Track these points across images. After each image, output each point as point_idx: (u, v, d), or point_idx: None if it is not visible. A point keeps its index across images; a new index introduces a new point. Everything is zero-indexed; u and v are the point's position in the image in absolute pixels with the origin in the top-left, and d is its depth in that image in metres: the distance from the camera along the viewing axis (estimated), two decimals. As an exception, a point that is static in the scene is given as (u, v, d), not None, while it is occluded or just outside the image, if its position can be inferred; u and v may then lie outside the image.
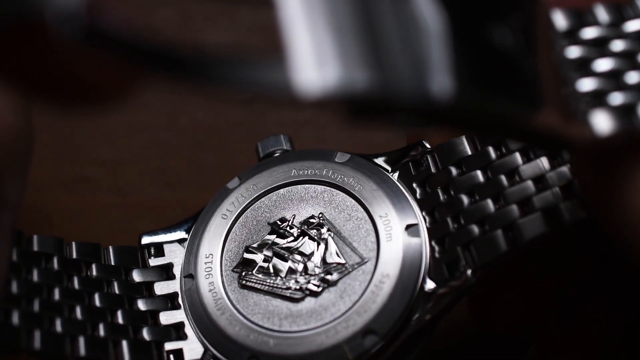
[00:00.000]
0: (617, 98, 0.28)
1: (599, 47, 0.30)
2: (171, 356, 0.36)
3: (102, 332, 0.35)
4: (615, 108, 0.28)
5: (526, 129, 0.27)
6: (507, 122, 0.27)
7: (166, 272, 0.38)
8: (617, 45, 0.30)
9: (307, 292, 0.36)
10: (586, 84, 0.29)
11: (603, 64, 0.29)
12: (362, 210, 0.37)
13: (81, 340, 0.35)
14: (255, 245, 0.37)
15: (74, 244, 0.37)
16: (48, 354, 0.34)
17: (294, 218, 0.38)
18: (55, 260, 0.36)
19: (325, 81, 0.23)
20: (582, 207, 0.33)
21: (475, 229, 0.35)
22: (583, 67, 0.29)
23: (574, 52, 0.30)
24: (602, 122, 0.28)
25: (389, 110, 0.24)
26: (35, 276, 0.35)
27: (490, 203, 0.35)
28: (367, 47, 0.24)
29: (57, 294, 0.35)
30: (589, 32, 0.30)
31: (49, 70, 0.25)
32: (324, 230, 0.37)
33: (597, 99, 0.29)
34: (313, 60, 0.23)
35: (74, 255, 0.37)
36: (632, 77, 0.29)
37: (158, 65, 0.24)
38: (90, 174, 0.39)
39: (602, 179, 0.30)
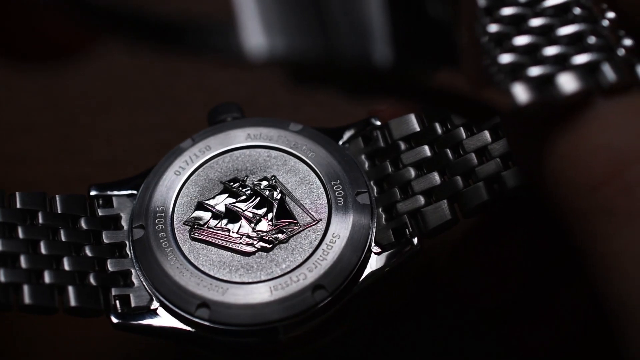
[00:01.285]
0: (533, 71, 0.31)
1: (517, 24, 0.32)
2: (117, 301, 0.36)
3: (47, 279, 0.35)
4: (532, 79, 0.31)
5: (454, 97, 0.30)
6: (438, 90, 0.29)
7: (114, 222, 0.38)
8: (534, 22, 0.32)
9: (259, 247, 0.37)
10: (505, 58, 0.32)
11: (520, 40, 0.32)
12: (314, 175, 0.38)
13: (25, 289, 0.34)
14: (208, 201, 0.38)
15: (17, 194, 0.37)
16: None
17: (246, 178, 0.39)
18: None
19: (271, 46, 0.25)
20: (521, 174, 0.36)
21: (422, 199, 0.37)
22: (502, 42, 0.32)
23: (493, 28, 0.32)
24: (520, 93, 0.31)
25: (332, 75, 0.26)
26: None
27: (436, 175, 0.37)
28: (313, 15, 0.26)
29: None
30: (507, 10, 0.33)
31: (9, 25, 0.26)
32: (276, 192, 0.38)
33: (516, 71, 0.31)
34: (261, 27, 0.25)
35: (18, 205, 0.37)
36: (547, 51, 0.31)
37: (118, 26, 0.25)
38: (91, 174, 0.39)
39: (526, 145, 0.33)
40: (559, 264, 0.40)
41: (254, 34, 0.25)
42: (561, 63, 0.31)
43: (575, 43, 0.31)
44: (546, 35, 0.32)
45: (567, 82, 0.31)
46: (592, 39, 0.31)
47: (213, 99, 0.40)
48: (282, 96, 0.49)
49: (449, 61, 0.30)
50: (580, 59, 0.31)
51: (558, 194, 0.31)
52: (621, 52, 0.31)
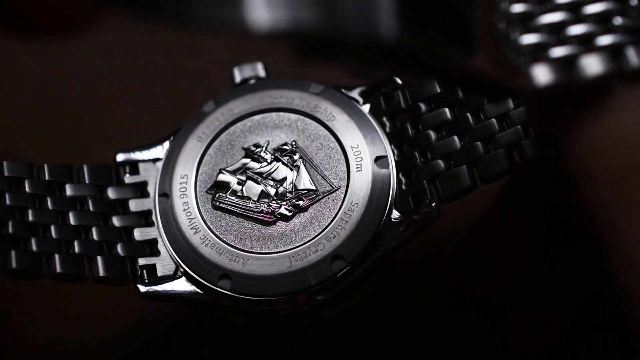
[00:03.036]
0: (556, 51, 0.30)
1: (543, 2, 0.31)
2: (144, 271, 0.37)
3: (77, 249, 0.36)
4: (554, 60, 0.30)
5: (467, 74, 0.29)
6: (448, 66, 0.29)
7: (140, 189, 0.39)
8: None
9: (279, 216, 0.38)
10: (527, 39, 0.31)
11: (547, 18, 0.31)
12: (334, 140, 0.39)
13: (57, 258, 0.36)
14: (229, 168, 0.39)
15: (45, 166, 0.38)
16: (25, 272, 0.35)
17: (267, 144, 0.39)
18: (26, 184, 0.37)
19: (275, 18, 0.25)
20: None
21: (441, 164, 0.37)
22: (525, 22, 0.31)
23: (517, 8, 0.31)
24: (541, 74, 0.30)
25: (337, 48, 0.26)
26: (7, 200, 0.36)
27: (456, 139, 0.37)
28: None
29: (31, 216, 0.36)
30: None
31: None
32: (296, 157, 0.39)
33: (537, 53, 0.30)
34: (264, 0, 0.25)
35: (47, 177, 0.38)
36: (573, 30, 0.30)
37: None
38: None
39: (548, 127, 0.32)
40: (561, 256, 0.40)
41: (258, 6, 0.25)
42: (585, 44, 0.30)
43: (601, 23, 0.30)
44: (573, 12, 0.31)
45: (591, 65, 0.30)
46: (618, 20, 0.30)
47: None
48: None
49: (462, 39, 0.29)
50: (605, 40, 0.30)
51: (579, 183, 0.30)
52: None
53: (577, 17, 0.30)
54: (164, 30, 0.26)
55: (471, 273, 0.42)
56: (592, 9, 0.30)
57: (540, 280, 0.41)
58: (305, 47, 0.26)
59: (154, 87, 0.50)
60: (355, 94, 0.40)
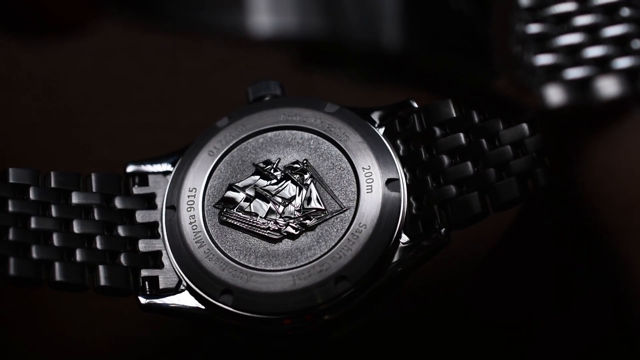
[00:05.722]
0: (572, 73, 0.30)
1: (561, 23, 0.31)
2: (146, 283, 0.37)
3: (78, 258, 0.36)
4: (568, 82, 0.29)
5: (476, 90, 0.29)
6: (454, 80, 0.28)
7: (148, 201, 0.39)
8: (580, 20, 0.30)
9: (285, 234, 0.37)
10: (543, 59, 0.30)
11: (564, 40, 0.30)
12: (346, 160, 0.38)
13: (57, 266, 0.35)
14: (238, 184, 0.38)
15: (52, 173, 0.38)
16: (23, 279, 0.35)
17: (278, 162, 0.39)
18: (31, 191, 0.37)
19: (276, 24, 0.24)
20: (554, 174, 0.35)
21: (453, 189, 0.37)
22: (541, 43, 0.31)
23: (533, 28, 0.31)
24: (554, 95, 0.29)
25: (338, 57, 0.26)
26: (10, 207, 0.36)
27: (469, 165, 0.37)
28: None
29: (33, 223, 0.36)
30: (553, 9, 0.31)
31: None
32: (306, 176, 0.38)
33: (551, 73, 0.30)
34: (266, 5, 0.24)
35: (53, 185, 0.38)
36: (590, 52, 0.30)
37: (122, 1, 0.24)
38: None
39: (562, 148, 0.32)
40: (579, 280, 0.39)
41: (260, 12, 0.25)
42: (601, 66, 0.30)
43: (619, 45, 0.30)
44: (591, 34, 0.30)
45: (607, 87, 0.29)
46: (637, 43, 0.30)
47: (214, 97, 0.40)
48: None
49: (474, 55, 0.29)
50: (622, 62, 0.29)
51: (593, 207, 0.30)
52: None
53: (594, 38, 0.30)
54: (164, 31, 0.26)
55: (489, 298, 0.41)
56: (611, 31, 0.30)
57: (559, 305, 0.40)
58: (307, 53, 0.26)
59: (154, 87, 0.50)
60: (370, 115, 0.39)
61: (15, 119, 0.38)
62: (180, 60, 0.50)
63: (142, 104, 0.50)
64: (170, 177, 0.39)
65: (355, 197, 0.37)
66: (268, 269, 0.36)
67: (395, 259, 0.36)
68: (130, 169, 0.39)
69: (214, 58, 0.50)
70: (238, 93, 0.41)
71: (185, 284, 0.37)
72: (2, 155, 0.44)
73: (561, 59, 0.30)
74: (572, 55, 0.30)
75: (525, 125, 0.36)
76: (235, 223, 0.37)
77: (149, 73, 0.50)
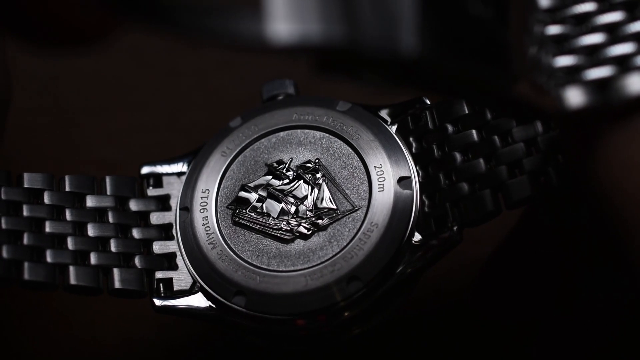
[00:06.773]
0: (593, 73, 0.29)
1: (580, 24, 0.30)
2: (160, 285, 0.37)
3: (93, 261, 0.36)
4: (588, 83, 0.29)
5: (493, 94, 0.28)
6: (473, 85, 0.28)
7: (163, 203, 0.39)
8: (600, 19, 0.30)
9: (297, 234, 0.37)
10: (562, 60, 0.30)
11: (585, 40, 0.30)
12: (358, 159, 0.38)
13: (71, 270, 0.36)
14: (251, 184, 0.38)
15: (67, 177, 0.38)
16: (37, 284, 0.35)
17: (291, 161, 0.39)
18: (45, 195, 0.37)
19: (295, 31, 0.24)
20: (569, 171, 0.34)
21: (466, 186, 0.36)
22: (561, 43, 0.30)
23: (553, 29, 0.30)
24: (574, 97, 0.29)
25: (355, 63, 0.25)
26: (25, 211, 0.36)
27: (482, 162, 0.36)
28: (338, 3, 0.25)
29: (48, 227, 0.36)
30: (574, 9, 0.31)
31: (32, 11, 0.26)
32: (318, 175, 0.38)
33: (571, 75, 0.29)
34: (284, 13, 0.24)
35: (67, 189, 0.38)
36: (612, 51, 0.29)
37: (139, 11, 0.24)
38: (91, 173, 0.40)
39: (576, 148, 0.31)
40: (588, 280, 0.38)
41: (278, 20, 0.25)
42: (621, 64, 0.29)
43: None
44: (611, 33, 0.30)
45: (632, 84, 0.29)
46: None
47: (213, 98, 0.40)
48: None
49: (492, 59, 0.28)
50: None
51: (611, 203, 0.29)
52: None
53: (614, 37, 0.29)
54: (183, 41, 0.26)
55: (499, 300, 0.41)
56: (632, 28, 0.29)
57: (571, 307, 0.39)
58: (324, 61, 0.26)
59: (154, 87, 0.50)
60: (383, 113, 0.39)
61: (14, 118, 0.38)
62: (180, 60, 0.50)
63: (142, 104, 0.50)
64: (183, 178, 0.39)
65: (367, 196, 0.37)
66: (280, 269, 0.36)
67: (408, 257, 0.36)
68: (144, 170, 0.40)
69: (214, 58, 0.50)
70: (238, 93, 0.41)
71: (199, 285, 0.37)
72: (2, 155, 0.45)
73: (581, 59, 0.30)
74: (592, 55, 0.30)
75: (538, 123, 0.36)
76: (247, 224, 0.38)
77: (149, 73, 0.51)
